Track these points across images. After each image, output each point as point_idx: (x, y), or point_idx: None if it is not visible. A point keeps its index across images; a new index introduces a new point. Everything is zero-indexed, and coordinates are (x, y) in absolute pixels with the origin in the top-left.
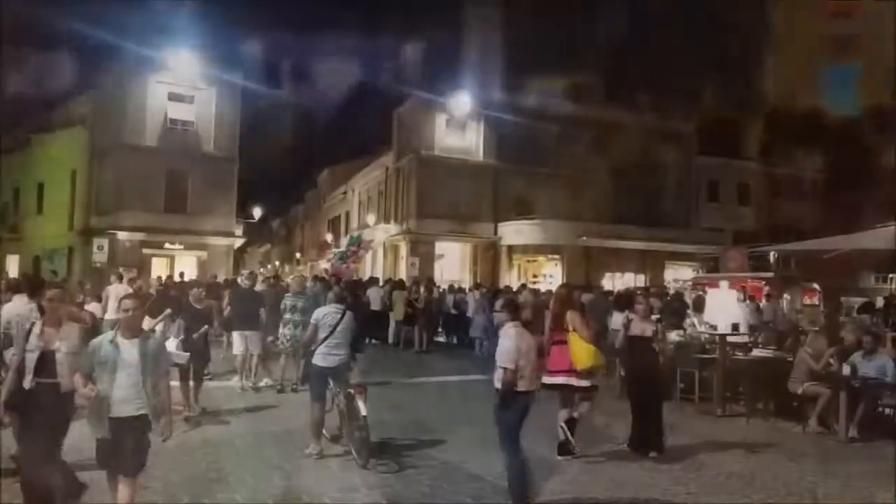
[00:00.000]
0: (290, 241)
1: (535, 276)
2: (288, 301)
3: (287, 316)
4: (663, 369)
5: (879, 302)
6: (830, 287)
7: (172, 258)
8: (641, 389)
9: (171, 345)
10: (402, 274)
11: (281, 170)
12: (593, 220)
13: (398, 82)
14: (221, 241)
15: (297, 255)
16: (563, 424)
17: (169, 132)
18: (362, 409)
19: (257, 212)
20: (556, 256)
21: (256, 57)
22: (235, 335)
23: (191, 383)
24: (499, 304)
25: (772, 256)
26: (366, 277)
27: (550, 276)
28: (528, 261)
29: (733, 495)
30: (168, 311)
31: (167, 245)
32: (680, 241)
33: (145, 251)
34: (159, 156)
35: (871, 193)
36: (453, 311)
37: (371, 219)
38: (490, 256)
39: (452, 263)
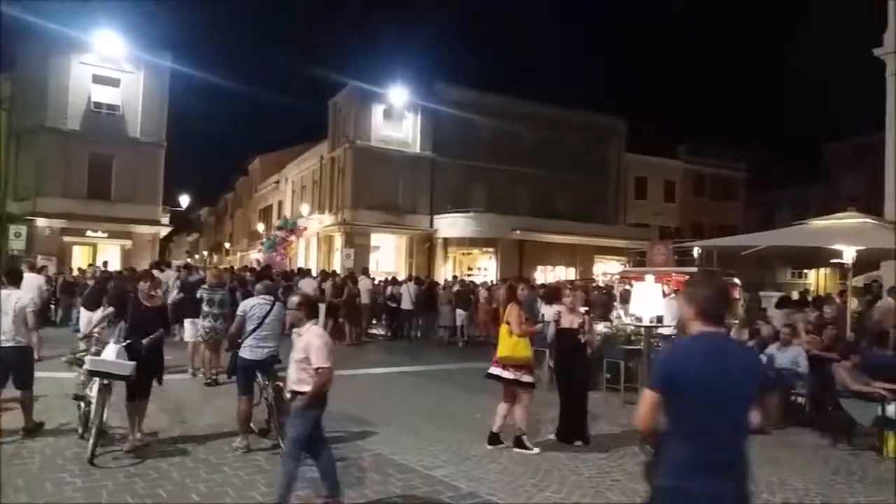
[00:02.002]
0: (219, 231)
1: (469, 269)
2: (205, 294)
3: (205, 308)
4: (590, 360)
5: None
6: (750, 281)
7: (95, 246)
8: (568, 380)
9: (112, 351)
10: (337, 265)
11: (211, 156)
12: (527, 214)
13: (335, 70)
14: (147, 230)
15: (227, 244)
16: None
17: (93, 115)
18: None
19: (185, 199)
20: (491, 249)
21: (187, 40)
22: (187, 323)
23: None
24: (293, 300)
25: (695, 252)
26: (297, 268)
27: (485, 268)
28: (464, 253)
29: None
30: (111, 309)
31: (89, 233)
32: (609, 235)
33: (66, 239)
34: (82, 140)
35: (789, 192)
36: (391, 304)
37: (305, 209)
38: (426, 248)
39: (388, 255)
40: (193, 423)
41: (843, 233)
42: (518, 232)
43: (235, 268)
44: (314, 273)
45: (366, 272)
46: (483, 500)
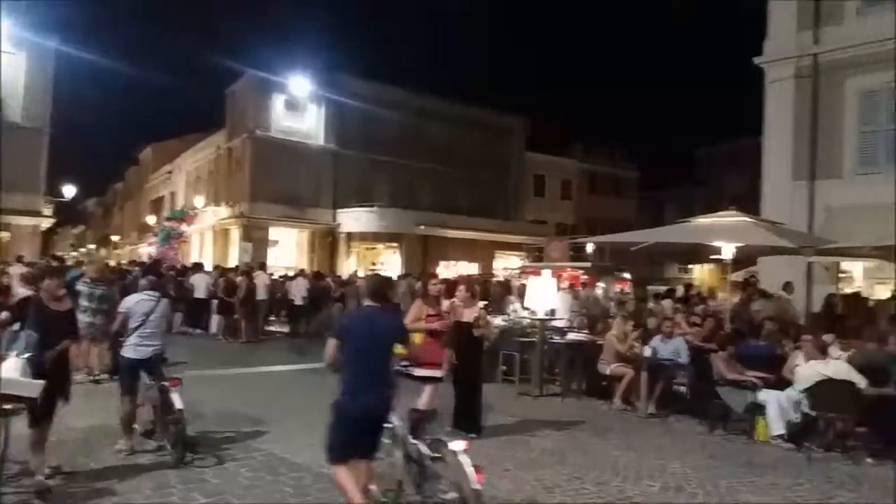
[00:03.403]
0: (107, 223)
1: (373, 264)
2: (84, 288)
3: (84, 303)
4: (486, 353)
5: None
6: (640, 276)
7: None
8: (463, 373)
9: (13, 367)
10: (234, 260)
11: (99, 144)
12: (430, 209)
13: (232, 58)
14: (27, 221)
15: (115, 237)
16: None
17: None
18: (177, 402)
19: (69, 189)
20: (395, 244)
21: (77, 22)
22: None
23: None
24: None
25: (589, 248)
26: (191, 263)
27: (389, 263)
28: (367, 248)
29: (545, 470)
30: (5, 314)
31: None
32: (509, 231)
33: None
34: None
35: (676, 191)
36: (291, 299)
37: (199, 201)
38: (328, 243)
39: (288, 250)
40: (71, 424)
41: (723, 231)
42: (422, 227)
43: (124, 262)
44: (208, 268)
45: (263, 267)
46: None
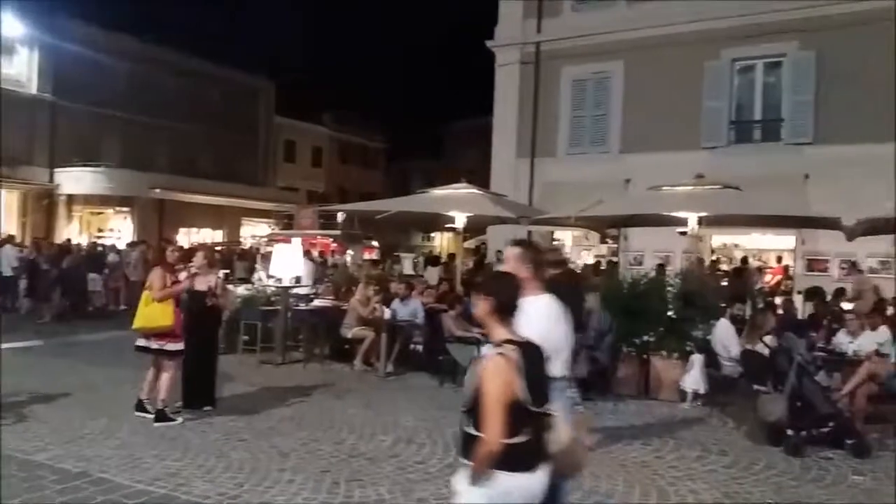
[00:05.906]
0: None
1: (100, 230)
2: None
3: None
4: (221, 323)
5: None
6: (389, 244)
7: None
8: (195, 344)
9: None
10: None
11: None
12: (167, 171)
13: None
14: None
15: None
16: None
17: None
18: None
19: None
20: (126, 209)
21: None
22: None
23: None
24: None
25: (339, 216)
26: None
27: (118, 230)
28: (93, 213)
29: (282, 437)
30: None
31: None
32: (258, 198)
33: None
34: None
35: (420, 164)
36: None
37: None
38: (45, 207)
39: None
40: None
41: (456, 201)
42: (158, 190)
43: None
44: None
45: None
46: (94, 479)
